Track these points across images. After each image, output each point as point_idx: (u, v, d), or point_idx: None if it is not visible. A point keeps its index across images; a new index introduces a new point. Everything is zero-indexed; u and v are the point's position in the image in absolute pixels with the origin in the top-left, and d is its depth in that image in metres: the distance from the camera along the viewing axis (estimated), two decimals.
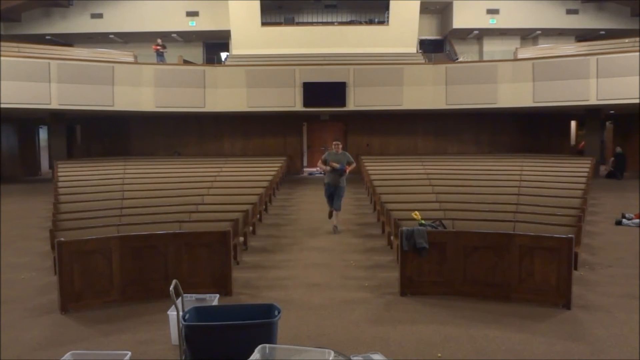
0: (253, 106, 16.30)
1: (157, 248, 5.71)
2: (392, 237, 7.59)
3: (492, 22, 21.04)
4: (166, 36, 21.67)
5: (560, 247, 5.37)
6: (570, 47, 18.79)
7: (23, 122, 18.94)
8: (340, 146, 9.45)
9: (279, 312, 3.89)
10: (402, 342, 4.53)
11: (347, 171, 9.07)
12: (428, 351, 4.36)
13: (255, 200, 9.35)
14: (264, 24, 20.31)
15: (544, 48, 19.37)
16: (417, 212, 6.93)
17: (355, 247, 8.07)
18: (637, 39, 16.12)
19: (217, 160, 15.37)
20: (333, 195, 9.17)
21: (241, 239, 7.71)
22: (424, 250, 5.69)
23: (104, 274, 5.49)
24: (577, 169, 12.71)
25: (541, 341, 4.55)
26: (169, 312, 4.49)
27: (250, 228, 8.58)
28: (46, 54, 16.25)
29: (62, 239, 5.52)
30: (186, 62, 19.15)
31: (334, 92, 16.05)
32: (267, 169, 13.65)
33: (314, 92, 16.06)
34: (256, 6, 19.79)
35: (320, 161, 9.33)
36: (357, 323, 4.99)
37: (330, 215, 9.31)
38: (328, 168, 9.08)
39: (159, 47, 18.33)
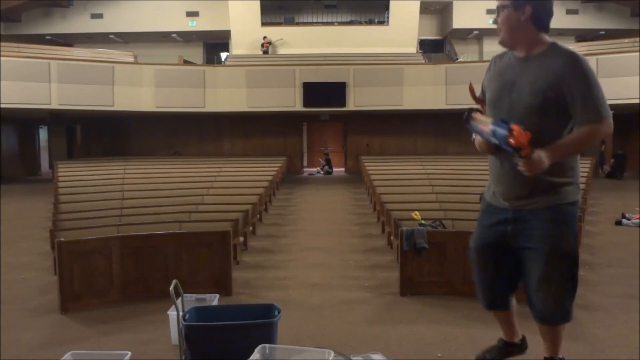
0: (253, 106, 16.30)
1: (157, 248, 5.70)
2: (392, 237, 7.58)
3: (492, 22, 21.06)
4: (166, 36, 21.71)
5: None
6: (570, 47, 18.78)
7: (23, 122, 18.94)
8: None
9: (279, 312, 3.89)
10: (402, 342, 4.53)
11: (528, 145, 2.32)
12: (428, 351, 4.35)
13: (255, 200, 9.35)
14: (264, 24, 20.34)
15: None
16: (417, 212, 6.93)
17: (355, 247, 8.06)
18: (637, 39, 16.14)
19: (217, 160, 15.36)
20: (507, 255, 2.81)
21: (241, 239, 7.70)
22: (424, 250, 5.69)
23: (104, 274, 5.48)
24: None
25: (541, 341, 4.53)
26: (169, 312, 4.48)
27: (250, 228, 8.58)
28: (46, 54, 16.27)
29: (62, 239, 5.51)
30: (186, 62, 19.17)
31: (334, 92, 16.05)
32: (267, 169, 13.64)
33: (314, 92, 16.07)
34: (256, 6, 19.82)
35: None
36: (357, 323, 4.99)
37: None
38: (478, 139, 2.75)
39: (267, 44, 18.66)
